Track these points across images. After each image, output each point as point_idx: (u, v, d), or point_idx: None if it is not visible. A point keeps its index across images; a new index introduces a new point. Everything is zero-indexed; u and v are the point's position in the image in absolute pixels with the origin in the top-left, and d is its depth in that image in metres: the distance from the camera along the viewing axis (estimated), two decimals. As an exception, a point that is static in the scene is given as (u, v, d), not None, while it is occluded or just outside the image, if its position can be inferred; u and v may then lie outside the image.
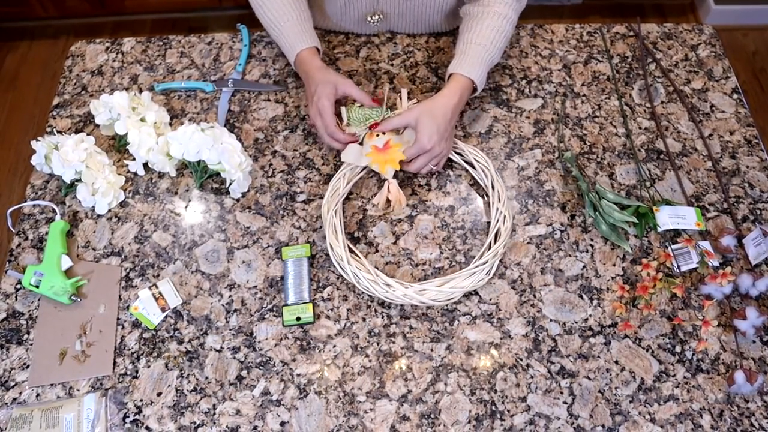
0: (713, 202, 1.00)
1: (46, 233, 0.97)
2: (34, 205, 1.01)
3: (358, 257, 0.92)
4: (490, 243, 0.93)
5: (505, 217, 0.94)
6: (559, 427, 0.82)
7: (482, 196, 1.01)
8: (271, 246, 0.96)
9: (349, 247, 0.93)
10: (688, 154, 1.05)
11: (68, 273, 0.93)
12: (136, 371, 0.86)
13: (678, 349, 0.88)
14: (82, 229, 0.98)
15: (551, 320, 0.90)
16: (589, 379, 0.86)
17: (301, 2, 1.05)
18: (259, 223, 0.99)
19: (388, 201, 0.99)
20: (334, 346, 0.88)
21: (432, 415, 0.83)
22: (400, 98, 1.04)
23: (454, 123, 0.99)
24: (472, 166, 1.01)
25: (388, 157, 0.96)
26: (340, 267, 0.91)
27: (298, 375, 0.86)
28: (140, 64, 1.17)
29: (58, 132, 1.07)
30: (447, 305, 0.91)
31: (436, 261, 0.95)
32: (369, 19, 1.14)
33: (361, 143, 1.00)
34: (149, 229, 0.98)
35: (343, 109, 1.03)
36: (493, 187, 0.97)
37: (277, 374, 0.86)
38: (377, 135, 0.99)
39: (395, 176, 0.99)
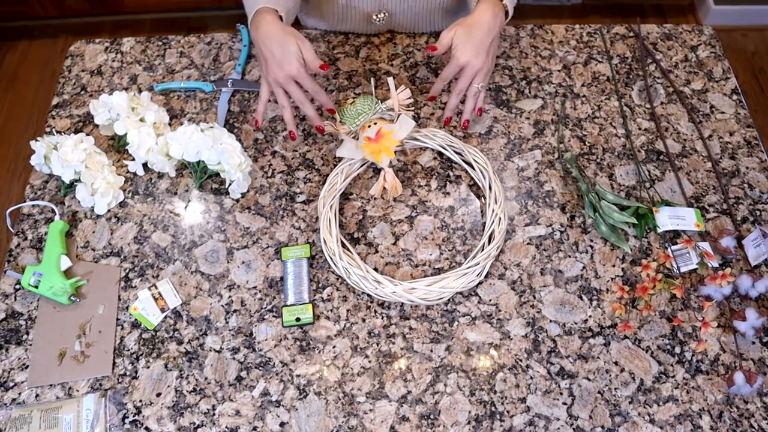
0: (713, 203, 1.00)
1: (45, 233, 0.97)
2: (33, 206, 1.01)
3: (350, 252, 0.92)
4: (483, 245, 0.93)
5: (500, 219, 0.94)
6: (558, 428, 0.82)
7: (481, 197, 1.01)
8: (271, 246, 0.96)
9: (342, 243, 0.93)
10: (687, 155, 1.05)
11: (67, 273, 0.93)
12: (136, 372, 0.86)
13: (677, 350, 0.88)
14: (81, 230, 0.98)
15: (551, 321, 0.90)
16: (589, 380, 0.86)
17: None
18: (258, 224, 0.98)
19: (384, 190, 0.99)
20: (334, 347, 0.88)
21: (431, 416, 0.83)
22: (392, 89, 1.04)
23: (493, 38, 0.93)
24: (472, 167, 1.01)
25: (381, 146, 0.97)
26: (332, 262, 0.91)
27: (298, 376, 0.86)
28: (140, 64, 1.17)
29: (57, 132, 1.07)
30: (447, 306, 0.91)
31: (435, 262, 0.95)
32: (375, 17, 1.14)
33: (356, 138, 1.00)
34: (149, 230, 0.98)
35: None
36: (490, 188, 0.97)
37: (277, 375, 0.86)
38: (369, 126, 0.99)
39: (391, 165, 0.99)
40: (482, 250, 0.93)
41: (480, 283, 0.93)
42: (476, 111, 1.01)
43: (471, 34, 0.92)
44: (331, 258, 0.92)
